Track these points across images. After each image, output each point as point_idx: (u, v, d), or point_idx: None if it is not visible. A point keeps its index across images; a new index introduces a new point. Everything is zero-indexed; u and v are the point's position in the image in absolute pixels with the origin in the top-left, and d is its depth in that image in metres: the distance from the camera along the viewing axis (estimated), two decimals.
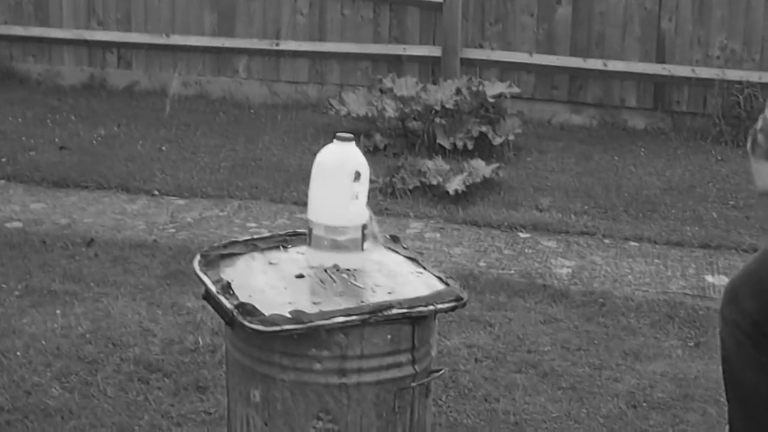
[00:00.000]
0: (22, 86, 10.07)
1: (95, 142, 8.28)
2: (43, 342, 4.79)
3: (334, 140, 3.28)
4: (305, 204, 3.31)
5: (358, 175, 3.25)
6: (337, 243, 3.22)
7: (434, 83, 8.68)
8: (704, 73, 8.90)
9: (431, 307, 3.04)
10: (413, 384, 3.06)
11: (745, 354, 3.46)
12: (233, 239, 3.47)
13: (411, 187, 7.17)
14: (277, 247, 3.44)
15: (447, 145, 7.96)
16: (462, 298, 3.10)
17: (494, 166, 7.36)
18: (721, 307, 3.56)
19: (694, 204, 7.17)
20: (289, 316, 2.91)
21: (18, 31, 10.25)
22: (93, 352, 4.73)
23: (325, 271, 3.20)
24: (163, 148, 8.16)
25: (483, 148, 8.00)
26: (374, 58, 9.53)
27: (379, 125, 8.33)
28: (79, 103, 9.53)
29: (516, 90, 8.52)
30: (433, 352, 3.17)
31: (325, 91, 9.56)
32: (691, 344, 5.06)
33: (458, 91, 8.20)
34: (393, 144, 8.16)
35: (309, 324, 2.90)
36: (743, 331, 3.45)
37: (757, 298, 3.43)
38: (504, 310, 5.34)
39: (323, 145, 3.30)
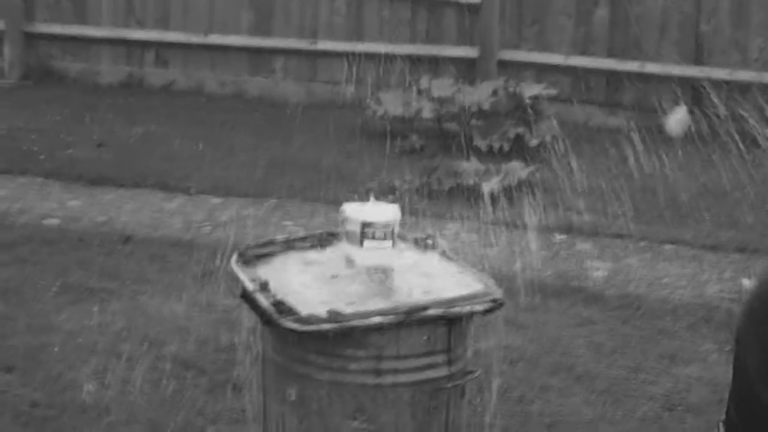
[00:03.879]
0: (61, 84, 10.13)
1: (132, 140, 8.32)
2: (80, 339, 4.82)
3: None
4: (341, 203, 3.32)
5: None
6: (370, 238, 3.22)
7: (471, 84, 8.67)
8: (742, 76, 8.86)
9: (467, 309, 3.04)
10: (448, 385, 3.06)
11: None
12: (270, 238, 3.48)
13: (447, 188, 7.17)
14: (314, 247, 3.45)
15: (483, 146, 7.95)
16: (499, 300, 3.10)
17: (530, 168, 7.36)
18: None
19: (730, 208, 7.14)
20: (325, 315, 2.92)
21: (57, 29, 10.31)
22: (129, 349, 4.75)
23: (362, 271, 3.21)
24: (200, 146, 8.20)
25: (519, 150, 7.99)
26: (411, 59, 9.53)
27: (416, 126, 8.34)
28: (116, 101, 9.58)
29: (552, 92, 8.51)
30: (469, 354, 3.17)
31: (361, 91, 9.56)
32: (727, 348, 5.03)
33: (495, 93, 8.20)
34: (429, 145, 8.16)
35: (345, 324, 2.90)
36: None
37: None
38: (539, 312, 5.34)
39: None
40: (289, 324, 2.91)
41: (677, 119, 8.76)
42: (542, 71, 9.23)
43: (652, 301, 5.54)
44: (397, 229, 3.28)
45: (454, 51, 9.44)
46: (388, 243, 3.24)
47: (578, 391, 4.54)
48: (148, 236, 6.30)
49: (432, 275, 3.26)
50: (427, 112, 8.23)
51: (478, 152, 7.87)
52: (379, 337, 2.95)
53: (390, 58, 9.57)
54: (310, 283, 3.18)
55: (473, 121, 8.11)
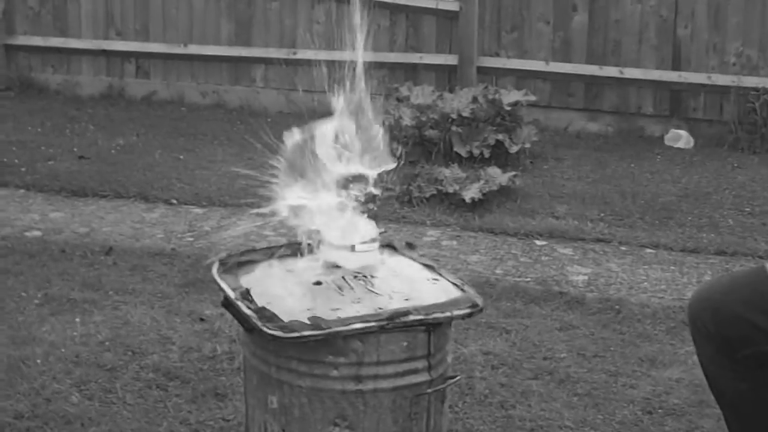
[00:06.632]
0: (42, 96, 10.13)
1: (114, 152, 8.32)
2: (63, 350, 4.82)
3: None
4: None
5: None
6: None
7: (451, 91, 8.70)
8: (720, 80, 8.91)
9: (447, 314, 3.06)
10: (429, 390, 3.08)
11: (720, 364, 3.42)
12: (251, 247, 3.49)
13: (428, 195, 7.19)
14: (296, 254, 3.47)
15: (463, 153, 7.97)
16: (478, 305, 3.12)
17: (511, 174, 7.38)
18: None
19: (710, 211, 7.17)
20: (307, 322, 2.94)
21: (37, 41, 10.32)
22: (112, 359, 4.76)
23: (343, 277, 3.23)
24: (181, 157, 8.20)
25: (499, 156, 8.01)
26: (391, 67, 9.55)
27: (396, 133, 8.35)
28: (97, 112, 9.58)
29: (532, 98, 8.54)
30: (449, 359, 3.19)
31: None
32: None
33: (475, 100, 8.22)
34: (410, 152, 8.18)
35: (328, 330, 2.92)
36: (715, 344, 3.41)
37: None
38: (520, 317, 5.36)
39: None
40: (272, 331, 2.93)
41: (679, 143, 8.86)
42: (522, 77, 9.27)
43: (632, 305, 5.56)
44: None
45: (434, 58, 9.48)
46: (369, 250, 3.27)
47: (559, 396, 4.56)
48: (130, 247, 6.30)
49: (413, 281, 3.29)
50: (408, 120, 8.24)
51: (458, 159, 7.89)
52: (359, 344, 2.97)
53: (370, 65, 9.58)
54: (292, 290, 3.20)
55: (453, 128, 8.13)
